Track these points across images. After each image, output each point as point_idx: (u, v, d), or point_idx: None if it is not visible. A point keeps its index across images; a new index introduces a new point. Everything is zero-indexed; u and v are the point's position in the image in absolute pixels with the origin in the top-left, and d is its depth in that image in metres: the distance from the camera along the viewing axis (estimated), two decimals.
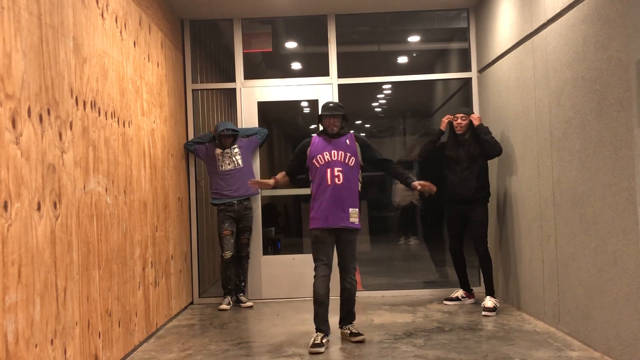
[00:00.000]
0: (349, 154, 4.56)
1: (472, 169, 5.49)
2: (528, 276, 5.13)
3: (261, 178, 6.55)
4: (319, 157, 4.58)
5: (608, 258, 3.74)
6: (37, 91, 3.01)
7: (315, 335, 4.39)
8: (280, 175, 4.79)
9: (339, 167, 4.52)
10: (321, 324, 4.45)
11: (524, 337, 4.45)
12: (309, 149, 4.66)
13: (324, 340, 4.34)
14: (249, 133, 6.36)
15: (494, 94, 5.89)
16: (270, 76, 6.91)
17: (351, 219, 4.49)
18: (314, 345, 4.27)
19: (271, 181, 4.76)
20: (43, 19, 3.12)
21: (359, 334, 4.53)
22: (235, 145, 6.17)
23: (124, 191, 4.28)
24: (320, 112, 4.74)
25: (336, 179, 4.50)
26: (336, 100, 6.51)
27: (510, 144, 5.47)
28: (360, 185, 4.65)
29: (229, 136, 6.11)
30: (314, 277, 4.48)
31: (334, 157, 4.55)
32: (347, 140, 4.62)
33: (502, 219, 5.76)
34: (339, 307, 4.68)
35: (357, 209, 4.53)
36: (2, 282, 2.63)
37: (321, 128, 4.79)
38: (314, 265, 4.51)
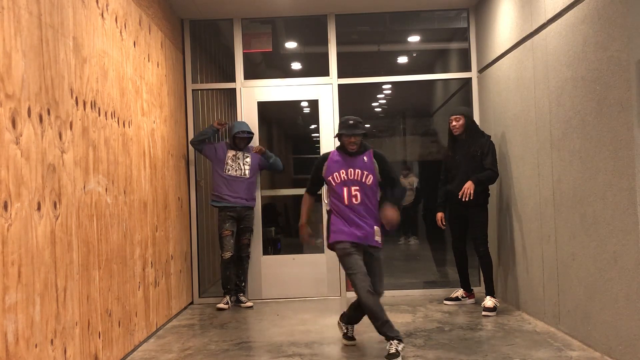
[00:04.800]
0: (366, 172, 4.33)
1: (469, 171, 5.46)
2: (528, 276, 5.13)
3: (261, 184, 6.55)
4: (336, 175, 4.37)
5: (608, 258, 3.74)
6: (37, 91, 3.01)
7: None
8: (306, 211, 4.63)
9: (356, 187, 4.32)
10: (390, 331, 4.09)
11: (524, 337, 4.45)
12: (325, 164, 4.44)
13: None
14: (272, 161, 6.31)
15: (494, 94, 5.89)
16: (270, 76, 6.91)
17: (375, 237, 4.29)
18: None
19: (307, 229, 4.64)
20: (43, 19, 3.12)
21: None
22: (249, 155, 6.16)
23: (124, 191, 4.28)
24: (339, 130, 4.41)
25: (353, 199, 4.31)
26: (336, 100, 6.52)
27: (510, 144, 5.47)
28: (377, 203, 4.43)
29: (244, 138, 6.10)
30: (356, 290, 4.12)
31: (351, 176, 4.34)
32: (365, 158, 4.38)
33: (502, 219, 5.76)
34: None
35: (379, 228, 4.34)
36: (2, 282, 2.63)
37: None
38: (350, 278, 4.17)
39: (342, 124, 4.40)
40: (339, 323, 4.58)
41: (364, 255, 4.25)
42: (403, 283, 7.26)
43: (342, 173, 4.36)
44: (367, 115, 11.76)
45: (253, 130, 6.29)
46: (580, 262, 4.13)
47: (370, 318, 4.11)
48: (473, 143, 5.50)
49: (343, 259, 4.22)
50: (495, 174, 5.43)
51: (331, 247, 4.34)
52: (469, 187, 5.34)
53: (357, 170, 4.35)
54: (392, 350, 3.95)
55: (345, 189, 4.32)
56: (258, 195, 6.42)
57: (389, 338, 4.04)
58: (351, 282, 4.18)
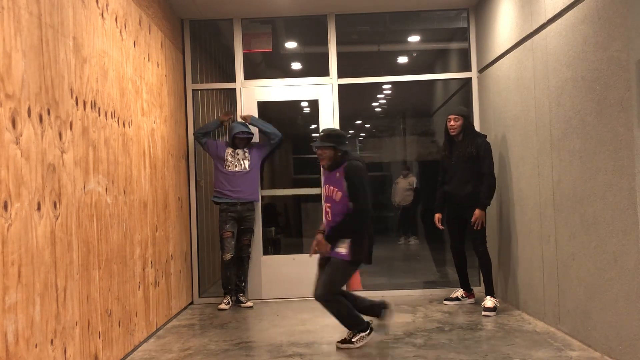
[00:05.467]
0: (336, 189, 4.34)
1: (466, 172, 5.46)
2: (528, 276, 5.13)
3: (262, 182, 6.54)
4: (323, 190, 4.53)
5: (608, 258, 3.74)
6: (37, 91, 3.01)
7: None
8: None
9: (328, 203, 4.42)
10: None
11: (524, 337, 4.45)
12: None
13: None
14: (263, 128, 6.27)
15: (494, 94, 5.89)
16: (270, 76, 6.91)
17: (337, 249, 4.30)
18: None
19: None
20: (43, 19, 3.12)
21: (343, 341, 4.40)
22: (247, 151, 6.17)
23: (124, 191, 4.28)
24: None
25: (327, 216, 4.44)
26: (336, 100, 6.51)
27: (510, 144, 5.47)
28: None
29: (243, 139, 6.12)
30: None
31: (326, 193, 4.44)
32: (337, 174, 4.37)
33: (502, 219, 5.76)
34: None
35: (347, 240, 4.30)
36: (2, 282, 2.63)
37: None
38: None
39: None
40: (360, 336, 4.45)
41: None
42: (403, 283, 7.27)
43: (324, 189, 4.47)
44: (367, 115, 11.77)
45: (252, 131, 6.30)
46: (580, 262, 4.13)
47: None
48: (470, 144, 5.48)
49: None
50: (493, 180, 5.43)
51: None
52: (479, 216, 5.38)
53: (330, 186, 4.39)
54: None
55: (324, 205, 4.45)
56: (260, 193, 6.42)
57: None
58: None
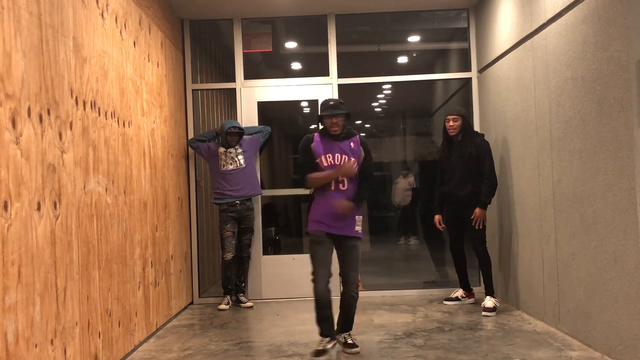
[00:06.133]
0: (353, 159, 4.26)
1: (466, 172, 5.46)
2: (528, 276, 5.13)
3: (261, 178, 6.54)
4: (324, 159, 4.28)
5: (608, 258, 3.74)
6: (37, 91, 3.01)
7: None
8: (324, 174, 4.29)
9: None
10: (327, 329, 4.25)
11: (524, 337, 4.45)
12: (312, 145, 4.32)
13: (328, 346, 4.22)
14: (251, 131, 6.34)
15: (494, 94, 5.89)
16: (270, 76, 6.91)
17: (356, 227, 4.25)
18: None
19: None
20: (43, 19, 3.12)
21: (354, 346, 4.26)
22: (239, 148, 6.17)
23: (124, 191, 4.28)
24: (320, 112, 4.38)
25: (340, 185, 4.25)
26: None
27: (510, 144, 5.47)
28: None
29: (235, 134, 6.12)
30: (313, 280, 4.21)
31: (338, 161, 4.26)
32: (352, 144, 4.31)
33: (502, 219, 5.76)
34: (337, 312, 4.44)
35: (361, 217, 4.29)
36: (2, 282, 2.63)
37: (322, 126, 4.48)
38: (313, 267, 4.24)
39: (323, 106, 4.37)
40: (337, 339, 4.35)
41: (341, 245, 4.27)
42: (403, 283, 7.27)
43: (329, 157, 4.29)
44: (367, 115, 11.76)
45: (243, 126, 6.30)
46: (580, 262, 4.13)
47: (316, 310, 4.24)
48: (469, 144, 5.48)
49: (313, 245, 4.27)
50: (495, 179, 5.43)
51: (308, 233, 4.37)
52: (480, 215, 5.39)
53: (344, 155, 4.28)
54: (320, 348, 4.18)
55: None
56: (260, 185, 6.43)
57: (323, 334, 4.25)
58: (313, 271, 4.22)
